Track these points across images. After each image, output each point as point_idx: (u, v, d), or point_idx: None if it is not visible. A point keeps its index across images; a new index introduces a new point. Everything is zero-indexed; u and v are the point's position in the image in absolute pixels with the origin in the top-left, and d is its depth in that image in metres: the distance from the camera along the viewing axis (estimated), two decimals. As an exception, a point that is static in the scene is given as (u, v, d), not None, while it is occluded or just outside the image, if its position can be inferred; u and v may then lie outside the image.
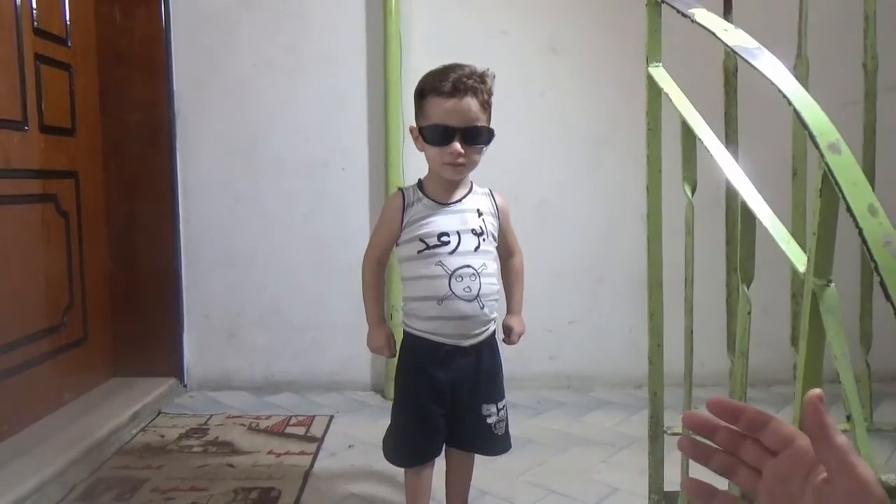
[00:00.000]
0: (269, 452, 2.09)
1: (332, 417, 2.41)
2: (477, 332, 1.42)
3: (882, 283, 0.69)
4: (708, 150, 1.07)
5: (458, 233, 1.36)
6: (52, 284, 2.31)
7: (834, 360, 0.77)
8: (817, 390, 0.47)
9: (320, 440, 2.21)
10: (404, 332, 1.47)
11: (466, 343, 1.40)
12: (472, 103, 1.31)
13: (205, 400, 2.62)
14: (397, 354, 1.49)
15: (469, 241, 1.37)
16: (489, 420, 1.48)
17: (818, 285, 0.80)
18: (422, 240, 1.36)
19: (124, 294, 2.66)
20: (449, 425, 1.47)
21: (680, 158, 1.21)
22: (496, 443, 1.51)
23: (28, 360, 2.15)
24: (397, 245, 1.42)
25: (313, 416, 2.41)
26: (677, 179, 1.21)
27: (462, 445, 1.53)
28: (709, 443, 0.55)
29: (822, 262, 0.81)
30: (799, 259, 0.87)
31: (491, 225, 1.43)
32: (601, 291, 2.75)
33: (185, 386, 2.70)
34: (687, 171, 1.19)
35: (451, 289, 1.35)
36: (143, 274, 2.68)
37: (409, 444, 1.49)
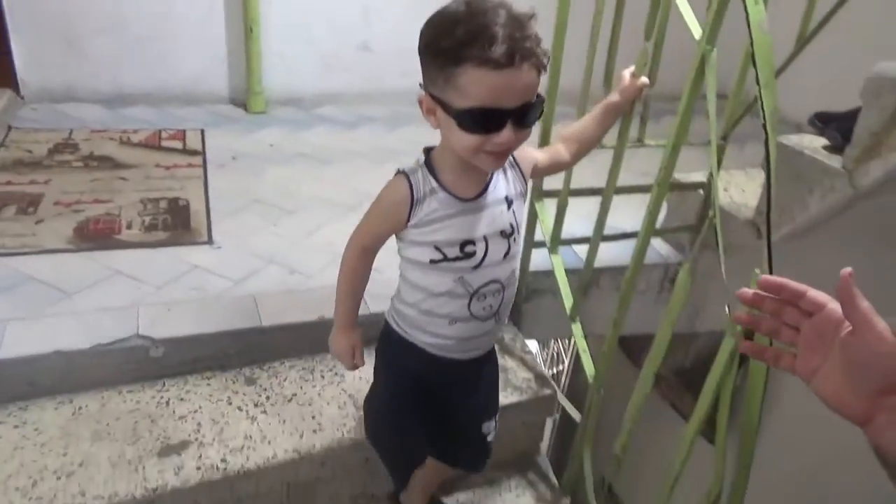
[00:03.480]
0: (157, 166, 2.17)
1: (203, 131, 2.48)
2: (486, 346, 1.16)
3: (752, 52, 1.02)
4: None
5: (484, 239, 1.02)
6: None
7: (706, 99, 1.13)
8: (848, 269, 0.59)
9: (202, 153, 2.31)
10: (391, 328, 1.14)
11: (468, 357, 1.13)
12: (531, 73, 0.89)
13: (51, 113, 2.48)
14: (377, 345, 1.18)
15: (498, 248, 1.04)
16: (489, 438, 1.23)
17: (707, 49, 1.13)
18: (437, 248, 1.01)
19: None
20: (437, 442, 1.25)
21: None
22: (486, 455, 1.27)
23: None
24: (399, 239, 1.06)
25: (184, 130, 2.46)
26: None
27: (450, 462, 1.29)
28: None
29: (713, 32, 1.12)
30: (696, 30, 1.17)
31: (520, 213, 1.08)
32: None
33: (22, 98, 2.51)
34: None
35: (469, 310, 1.05)
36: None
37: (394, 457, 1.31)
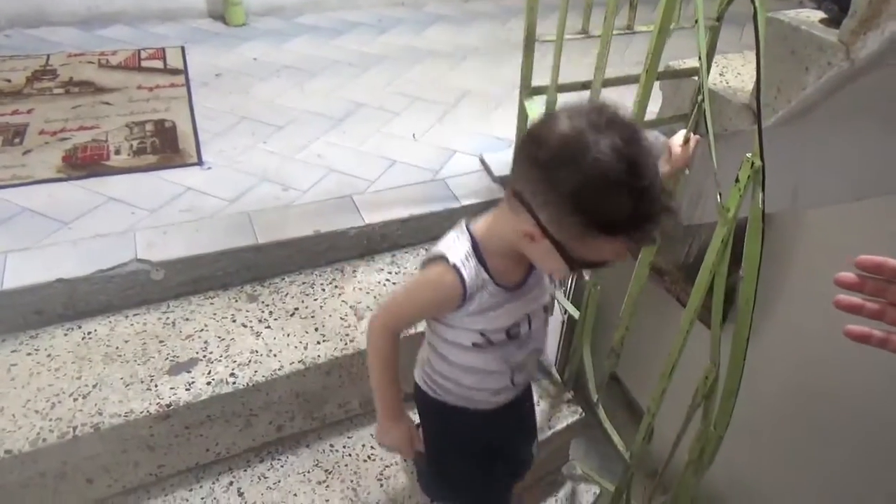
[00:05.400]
0: (139, 88, 2.12)
1: (183, 48, 2.40)
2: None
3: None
4: None
5: (527, 317, 0.99)
6: None
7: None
8: None
9: (184, 72, 2.25)
10: (431, 398, 1.10)
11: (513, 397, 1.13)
12: None
13: (25, 38, 2.41)
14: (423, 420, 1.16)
15: (539, 320, 1.02)
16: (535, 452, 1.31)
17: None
18: (483, 334, 0.97)
19: None
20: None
21: None
22: (529, 466, 1.33)
23: None
24: (434, 318, 1.01)
25: (164, 49, 2.38)
26: None
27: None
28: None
29: None
30: None
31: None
32: None
33: (-7, 25, 2.43)
34: None
35: (512, 382, 1.06)
36: None
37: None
